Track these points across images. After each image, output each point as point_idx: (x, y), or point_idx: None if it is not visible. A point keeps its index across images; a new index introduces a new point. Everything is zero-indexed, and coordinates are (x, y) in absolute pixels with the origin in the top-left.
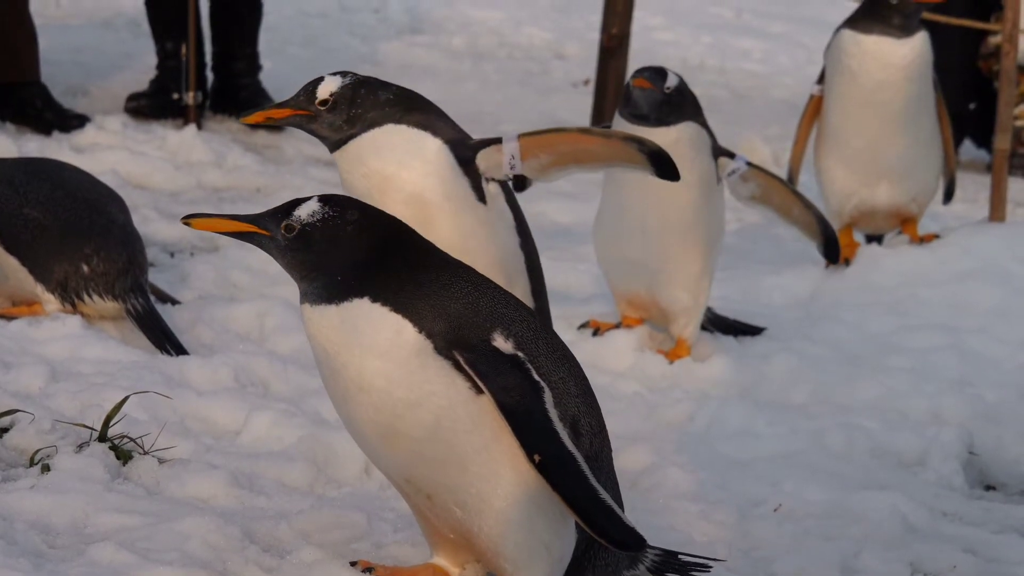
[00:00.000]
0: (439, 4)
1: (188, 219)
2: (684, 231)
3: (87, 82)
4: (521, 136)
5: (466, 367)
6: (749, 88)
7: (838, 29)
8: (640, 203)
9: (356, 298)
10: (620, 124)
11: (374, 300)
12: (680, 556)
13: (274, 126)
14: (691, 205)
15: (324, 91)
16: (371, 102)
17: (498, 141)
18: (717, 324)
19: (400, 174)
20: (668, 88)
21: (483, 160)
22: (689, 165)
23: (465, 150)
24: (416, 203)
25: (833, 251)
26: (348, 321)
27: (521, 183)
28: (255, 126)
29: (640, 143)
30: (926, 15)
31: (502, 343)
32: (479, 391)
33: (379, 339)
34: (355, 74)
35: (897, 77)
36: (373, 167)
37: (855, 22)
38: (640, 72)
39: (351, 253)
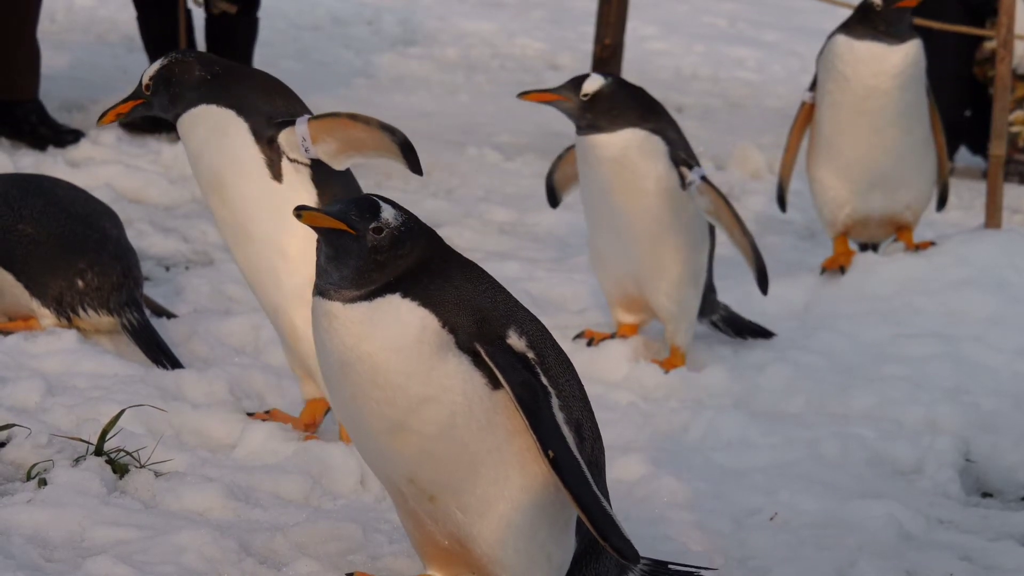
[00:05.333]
0: (432, 16)
1: (300, 211)
2: (654, 239)
3: (82, 97)
4: (310, 119)
5: (487, 359)
6: (743, 97)
7: (832, 35)
8: (607, 214)
9: (389, 294)
10: (577, 138)
11: (404, 296)
12: (671, 566)
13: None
14: (652, 213)
15: (146, 77)
16: (187, 81)
17: (286, 125)
18: (731, 323)
19: (203, 153)
20: (585, 95)
21: (284, 139)
22: (642, 172)
23: (267, 129)
24: (216, 180)
25: (763, 283)
26: (375, 315)
27: (554, 200)
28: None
29: (392, 132)
30: (920, 21)
31: (515, 341)
32: (495, 387)
33: (402, 334)
34: (179, 54)
35: (889, 84)
36: (188, 146)
37: (849, 28)
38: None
39: (414, 253)
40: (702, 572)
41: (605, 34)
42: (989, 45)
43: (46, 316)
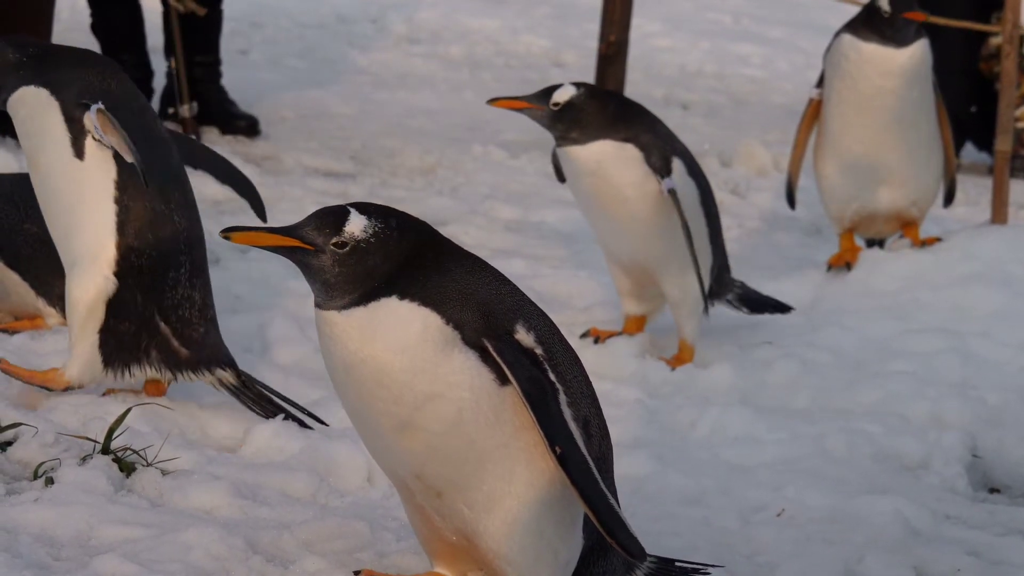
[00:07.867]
0: (437, 13)
1: (227, 232)
2: (647, 238)
3: None
4: (99, 110)
5: (494, 354)
6: (748, 94)
7: (838, 33)
8: (599, 218)
9: (384, 298)
10: (556, 149)
11: (402, 297)
12: (677, 563)
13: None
14: (639, 217)
15: None
16: (3, 67)
17: (88, 108)
18: (746, 301)
19: (24, 133)
20: (556, 104)
21: (87, 120)
22: (618, 182)
23: (74, 109)
24: (32, 159)
25: (704, 297)
26: (375, 319)
27: (562, 177)
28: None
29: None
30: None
31: (523, 336)
32: (503, 382)
33: (405, 334)
34: None
35: (896, 83)
36: (16, 129)
37: (856, 27)
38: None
39: (393, 259)
40: (709, 569)
41: (610, 31)
42: (995, 40)
43: (52, 315)
